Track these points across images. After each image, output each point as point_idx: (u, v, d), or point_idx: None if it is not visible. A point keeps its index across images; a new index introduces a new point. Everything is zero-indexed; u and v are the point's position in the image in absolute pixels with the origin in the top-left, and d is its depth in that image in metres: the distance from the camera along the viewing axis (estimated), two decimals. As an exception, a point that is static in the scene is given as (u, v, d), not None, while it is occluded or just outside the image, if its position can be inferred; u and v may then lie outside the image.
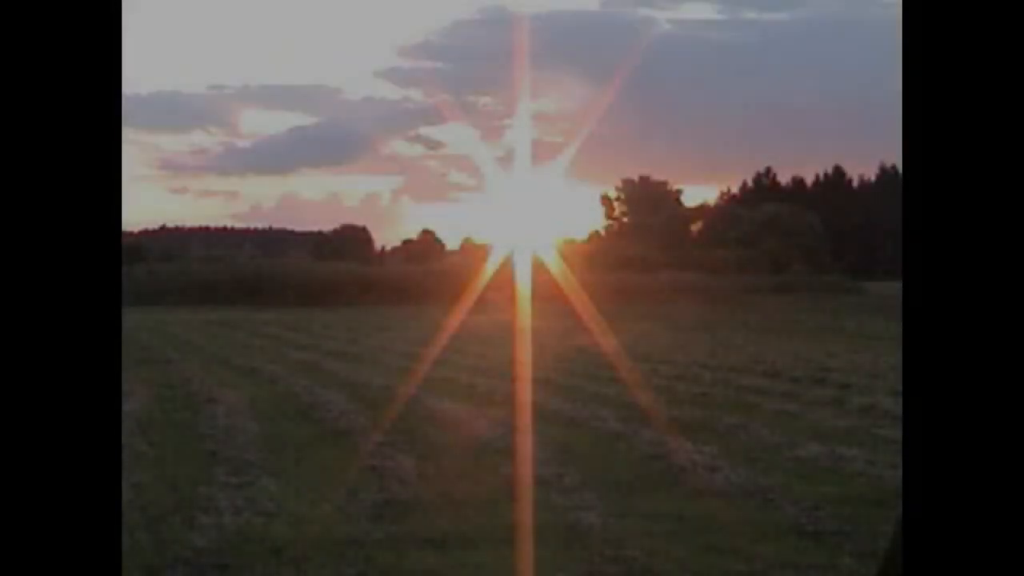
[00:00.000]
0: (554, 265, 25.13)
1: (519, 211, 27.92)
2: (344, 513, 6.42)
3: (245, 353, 18.20)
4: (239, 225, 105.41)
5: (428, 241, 71.76)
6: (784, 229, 61.60)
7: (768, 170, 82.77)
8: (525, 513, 6.26)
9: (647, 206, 67.31)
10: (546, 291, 23.56)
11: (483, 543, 5.77)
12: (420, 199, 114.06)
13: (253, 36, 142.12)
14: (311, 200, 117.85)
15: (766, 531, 5.98)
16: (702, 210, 71.52)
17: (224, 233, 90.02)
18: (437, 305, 31.02)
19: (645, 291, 45.26)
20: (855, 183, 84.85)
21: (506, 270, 24.30)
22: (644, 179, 70.46)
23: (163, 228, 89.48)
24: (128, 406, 10.63)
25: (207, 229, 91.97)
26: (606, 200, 71.55)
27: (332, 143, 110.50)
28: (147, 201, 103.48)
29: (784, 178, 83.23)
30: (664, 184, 70.07)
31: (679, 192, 70.48)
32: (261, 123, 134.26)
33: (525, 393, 11.16)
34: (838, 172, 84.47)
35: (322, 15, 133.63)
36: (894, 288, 37.47)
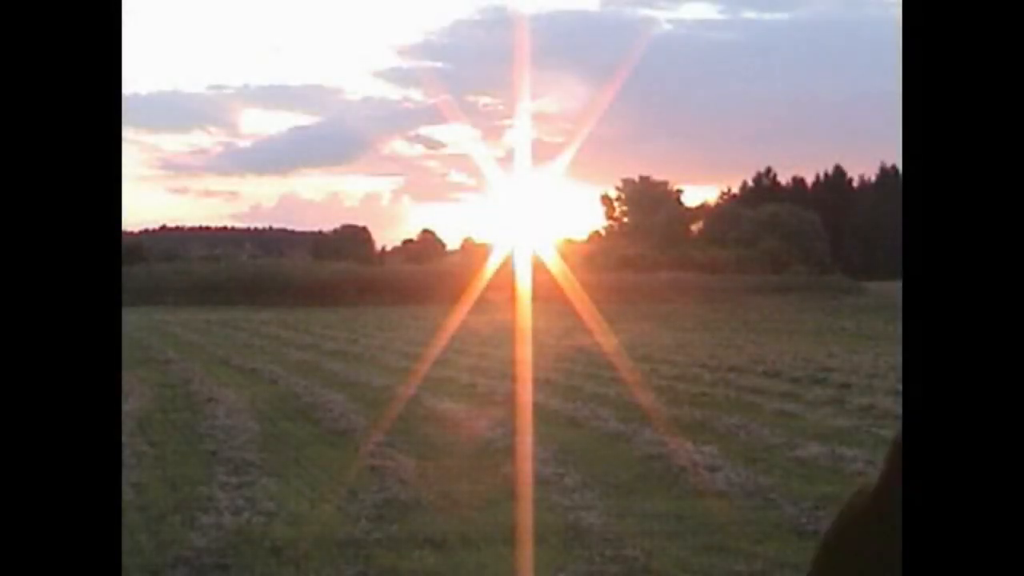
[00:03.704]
0: (554, 265, 25.13)
1: (519, 211, 27.91)
2: (344, 513, 6.42)
3: (245, 353, 18.20)
4: (239, 225, 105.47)
5: (428, 241, 71.72)
6: (784, 229, 61.59)
7: (768, 170, 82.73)
8: (525, 513, 6.26)
9: (647, 206, 67.26)
10: (546, 291, 23.57)
11: (483, 543, 5.77)
12: (420, 199, 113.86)
13: (253, 36, 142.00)
14: (311, 200, 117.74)
15: (766, 531, 5.98)
16: (702, 210, 71.47)
17: (224, 233, 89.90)
18: (437, 305, 31.03)
19: (645, 291, 45.26)
20: (855, 183, 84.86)
21: (506, 270, 24.29)
22: (644, 179, 70.41)
23: (163, 228, 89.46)
24: (128, 406, 10.63)
25: (207, 229, 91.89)
26: (606, 200, 71.52)
27: (332, 143, 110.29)
28: (147, 201, 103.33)
29: (784, 178, 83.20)
30: (664, 184, 70.01)
31: (679, 192, 70.45)
32: (261, 123, 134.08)
33: (525, 393, 11.17)
34: (838, 172, 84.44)
35: (322, 15, 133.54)
36: (894, 288, 37.49)
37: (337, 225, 70.37)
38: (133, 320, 24.77)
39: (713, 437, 9.04)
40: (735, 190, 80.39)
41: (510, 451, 8.26)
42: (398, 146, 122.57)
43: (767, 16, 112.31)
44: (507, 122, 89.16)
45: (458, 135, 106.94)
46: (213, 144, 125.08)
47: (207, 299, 39.89)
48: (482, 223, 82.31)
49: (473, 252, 51.53)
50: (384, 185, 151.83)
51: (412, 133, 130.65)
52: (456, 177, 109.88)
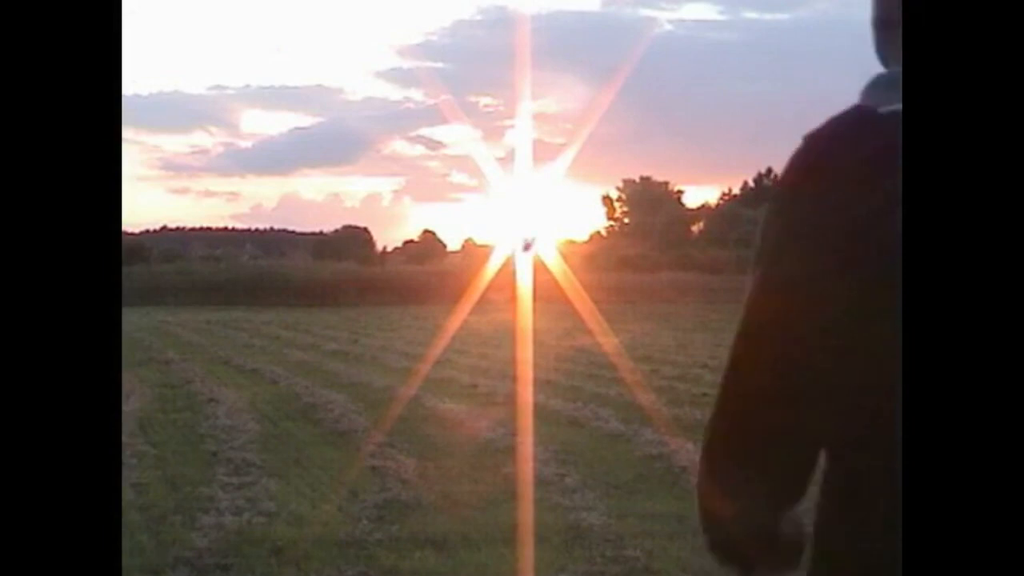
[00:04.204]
0: (555, 265, 25.14)
1: (520, 211, 27.92)
2: (345, 513, 6.42)
3: (246, 353, 18.19)
4: (240, 225, 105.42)
5: (429, 241, 71.64)
6: (785, 229, 61.51)
7: (769, 170, 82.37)
8: (526, 513, 6.27)
9: (648, 206, 67.25)
10: (547, 291, 23.58)
11: (484, 543, 5.77)
12: (421, 199, 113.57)
13: (253, 36, 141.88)
14: (312, 200, 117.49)
15: (767, 531, 5.97)
16: (703, 210, 71.46)
17: (225, 233, 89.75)
18: (438, 305, 31.03)
19: (646, 291, 45.24)
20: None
21: (507, 270, 24.31)
22: (645, 179, 70.42)
23: (164, 228, 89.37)
24: (128, 406, 10.63)
25: (208, 229, 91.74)
26: (607, 200, 71.49)
27: (332, 143, 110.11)
28: (148, 201, 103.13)
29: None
30: (665, 184, 70.02)
31: (680, 192, 70.45)
32: (261, 123, 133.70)
33: (526, 393, 11.16)
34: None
35: (323, 15, 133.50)
36: (895, 288, 37.25)
37: (338, 225, 70.32)
38: (134, 320, 24.78)
39: (714, 437, 9.03)
40: (735, 190, 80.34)
41: (511, 451, 8.26)
42: (399, 146, 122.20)
43: (767, 16, 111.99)
44: (508, 122, 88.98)
45: (459, 135, 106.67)
46: (214, 144, 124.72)
47: (208, 299, 39.88)
48: (483, 223, 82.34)
49: (474, 252, 51.55)
50: (385, 185, 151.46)
51: (413, 133, 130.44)
52: (457, 177, 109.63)
